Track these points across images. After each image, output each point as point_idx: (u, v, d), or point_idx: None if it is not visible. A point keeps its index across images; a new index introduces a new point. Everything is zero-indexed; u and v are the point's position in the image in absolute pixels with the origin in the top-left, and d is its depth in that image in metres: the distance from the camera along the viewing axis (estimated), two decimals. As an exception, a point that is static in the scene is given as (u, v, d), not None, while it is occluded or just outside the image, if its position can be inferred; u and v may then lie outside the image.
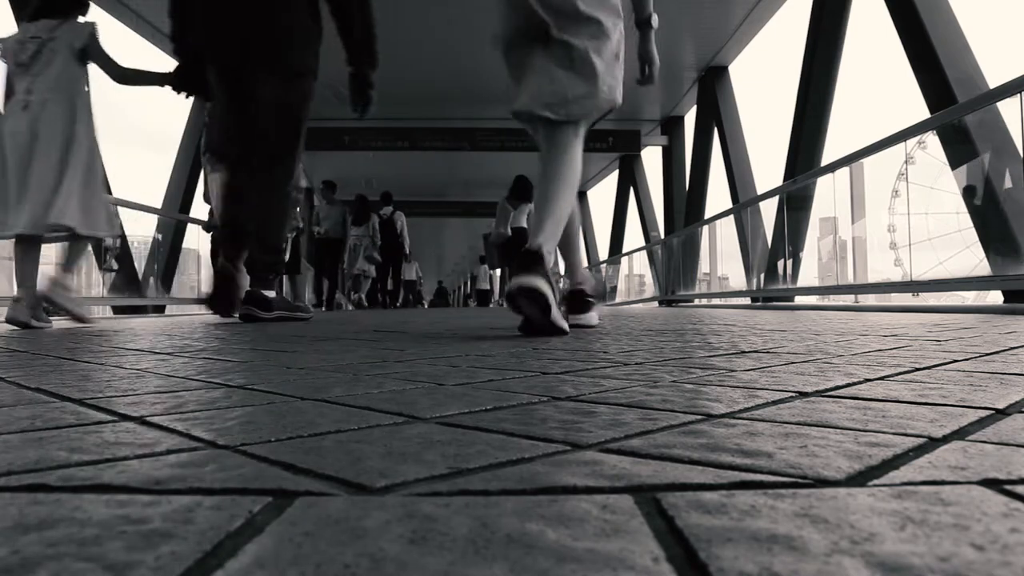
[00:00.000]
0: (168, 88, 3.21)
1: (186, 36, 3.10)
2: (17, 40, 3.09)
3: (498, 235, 9.44)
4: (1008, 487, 0.42)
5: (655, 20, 2.34)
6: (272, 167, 3.05)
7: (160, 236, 9.12)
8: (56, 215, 2.90)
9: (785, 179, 7.71)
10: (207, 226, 6.60)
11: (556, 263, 2.30)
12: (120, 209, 7.17)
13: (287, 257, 3.88)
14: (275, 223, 3.11)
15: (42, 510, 0.40)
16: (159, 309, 8.34)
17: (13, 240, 3.10)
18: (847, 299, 6.86)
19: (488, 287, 18.08)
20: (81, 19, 3.21)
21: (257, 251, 3.04)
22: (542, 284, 1.80)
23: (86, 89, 3.15)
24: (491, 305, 16.29)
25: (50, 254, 3.88)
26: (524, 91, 2.15)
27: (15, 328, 2.96)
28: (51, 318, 3.19)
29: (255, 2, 2.95)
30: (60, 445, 0.57)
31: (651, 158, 14.13)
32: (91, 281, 7.38)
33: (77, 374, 1.13)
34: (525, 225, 9.41)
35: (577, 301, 2.26)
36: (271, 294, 3.05)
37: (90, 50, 3.12)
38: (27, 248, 3.06)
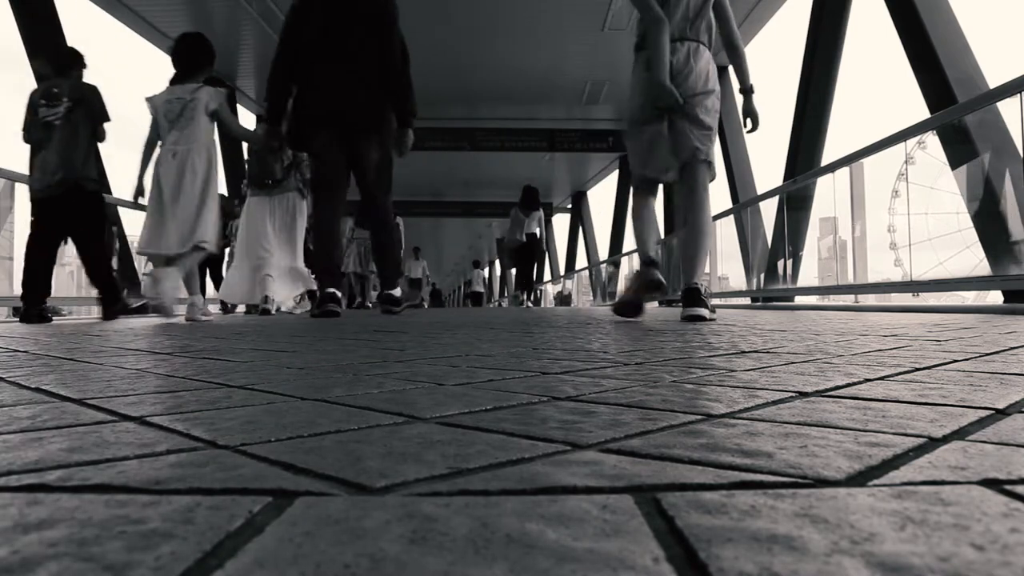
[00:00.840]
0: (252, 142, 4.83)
1: (285, 110, 4.05)
2: (165, 100, 3.87)
3: (512, 240, 10.39)
4: (1008, 487, 0.42)
5: (754, 88, 3.21)
6: (384, 213, 4.12)
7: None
8: (198, 237, 3.80)
9: (785, 179, 7.71)
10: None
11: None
12: (120, 209, 7.19)
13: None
14: (395, 249, 4.33)
15: (42, 510, 0.40)
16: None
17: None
18: (847, 299, 6.86)
19: (481, 290, 19.38)
20: (211, 86, 4.09)
21: (386, 268, 4.26)
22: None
23: (215, 140, 4.01)
24: (491, 305, 16.37)
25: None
26: (664, 155, 3.09)
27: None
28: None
29: (359, 89, 3.90)
30: (60, 445, 0.57)
31: (651, 158, 14.10)
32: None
33: (77, 374, 1.13)
34: (535, 231, 10.37)
35: (693, 295, 2.97)
36: (398, 293, 4.18)
37: (220, 111, 3.96)
38: (176, 266, 3.86)
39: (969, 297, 5.63)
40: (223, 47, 10.22)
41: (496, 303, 18.19)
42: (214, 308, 7.36)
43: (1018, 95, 4.06)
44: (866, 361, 1.16)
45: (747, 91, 3.20)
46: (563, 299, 17.35)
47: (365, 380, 0.98)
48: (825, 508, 0.39)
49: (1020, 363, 1.11)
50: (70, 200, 4.13)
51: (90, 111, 4.20)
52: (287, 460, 0.51)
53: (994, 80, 5.08)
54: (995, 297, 4.70)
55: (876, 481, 0.44)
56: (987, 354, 1.26)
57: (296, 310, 5.68)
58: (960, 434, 0.58)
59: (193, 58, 4.03)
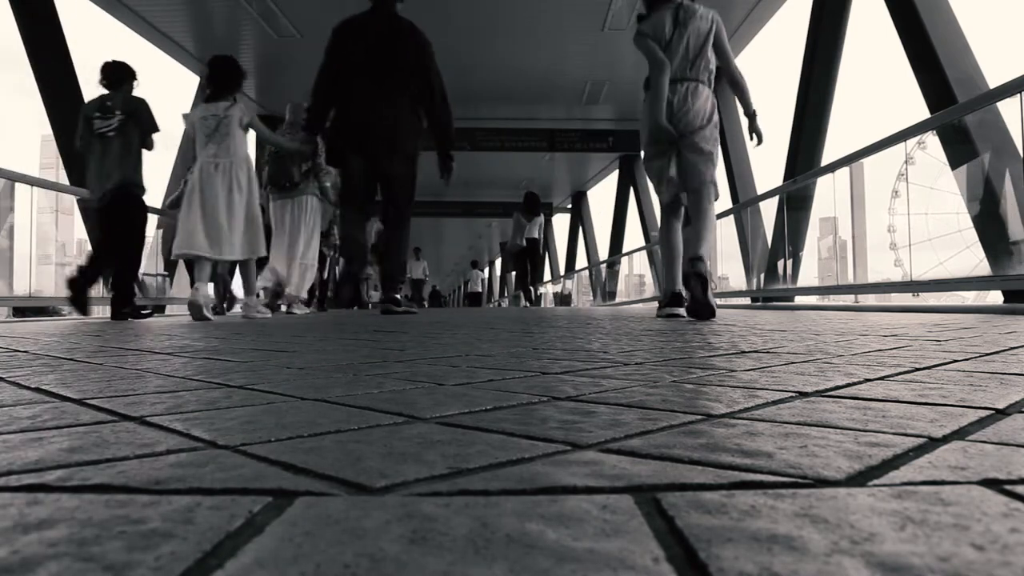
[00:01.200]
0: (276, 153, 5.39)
1: (324, 123, 4.52)
2: (201, 117, 4.28)
3: (514, 245, 10.79)
4: (1008, 487, 0.42)
5: (757, 112, 3.59)
6: (401, 217, 4.54)
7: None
8: (254, 250, 4.33)
9: (785, 179, 7.70)
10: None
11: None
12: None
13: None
14: (402, 253, 4.63)
15: (42, 510, 0.40)
16: (159, 309, 8.33)
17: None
18: (847, 299, 6.85)
19: (480, 290, 19.76)
20: (241, 102, 4.49)
21: (391, 271, 4.53)
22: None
23: (248, 152, 4.47)
24: (491, 305, 16.40)
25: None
26: (673, 181, 3.48)
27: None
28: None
29: (389, 115, 4.34)
30: (60, 445, 0.57)
31: (652, 158, 14.08)
32: (91, 281, 7.36)
33: (77, 374, 1.13)
34: (536, 236, 10.80)
35: (696, 260, 3.26)
36: (399, 296, 4.54)
37: (254, 124, 4.43)
38: (204, 264, 4.28)
39: (969, 297, 5.63)
40: (223, 47, 10.24)
41: (496, 303, 18.34)
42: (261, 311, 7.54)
43: (1018, 95, 4.06)
44: (866, 361, 1.16)
45: (751, 115, 3.58)
46: (563, 299, 17.36)
47: (365, 380, 0.98)
48: (825, 508, 0.39)
49: (1020, 363, 1.11)
50: (121, 205, 4.50)
51: (140, 123, 4.54)
52: (287, 460, 0.51)
53: (994, 80, 5.08)
54: (995, 297, 4.69)
55: (876, 481, 0.44)
56: (987, 354, 1.26)
57: (296, 310, 5.72)
58: (960, 434, 0.58)
59: (226, 78, 4.48)
